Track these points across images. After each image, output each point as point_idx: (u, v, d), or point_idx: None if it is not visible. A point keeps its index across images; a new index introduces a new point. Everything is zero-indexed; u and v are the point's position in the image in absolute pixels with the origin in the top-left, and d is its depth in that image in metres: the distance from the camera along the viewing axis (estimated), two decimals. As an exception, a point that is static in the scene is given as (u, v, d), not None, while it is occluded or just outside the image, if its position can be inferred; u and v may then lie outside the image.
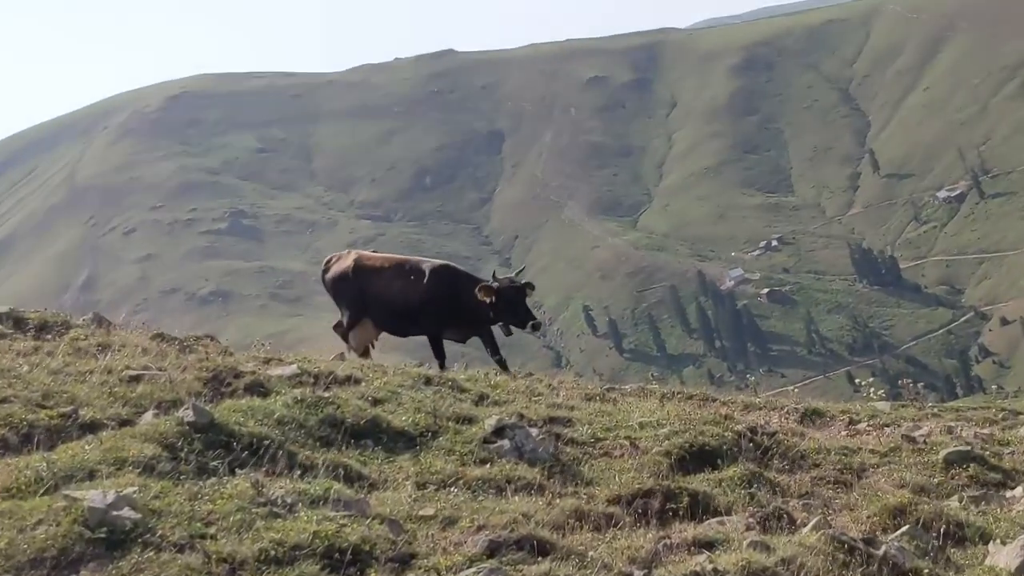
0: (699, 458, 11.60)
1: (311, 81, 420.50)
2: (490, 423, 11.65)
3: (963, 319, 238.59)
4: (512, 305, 17.84)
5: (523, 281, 18.27)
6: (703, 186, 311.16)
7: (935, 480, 11.82)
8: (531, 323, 17.87)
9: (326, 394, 11.91)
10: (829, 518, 9.75)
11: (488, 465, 10.86)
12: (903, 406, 19.46)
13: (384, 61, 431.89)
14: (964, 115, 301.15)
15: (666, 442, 11.73)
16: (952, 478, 11.94)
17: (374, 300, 18.42)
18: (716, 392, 18.02)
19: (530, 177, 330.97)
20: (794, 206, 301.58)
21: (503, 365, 18.14)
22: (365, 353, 18.60)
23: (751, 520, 9.57)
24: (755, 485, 10.90)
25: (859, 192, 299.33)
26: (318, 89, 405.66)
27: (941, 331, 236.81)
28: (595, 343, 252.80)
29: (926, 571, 8.38)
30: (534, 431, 11.77)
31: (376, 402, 12.36)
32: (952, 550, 9.28)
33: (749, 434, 12.32)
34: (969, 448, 12.58)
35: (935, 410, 19.64)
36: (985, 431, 15.38)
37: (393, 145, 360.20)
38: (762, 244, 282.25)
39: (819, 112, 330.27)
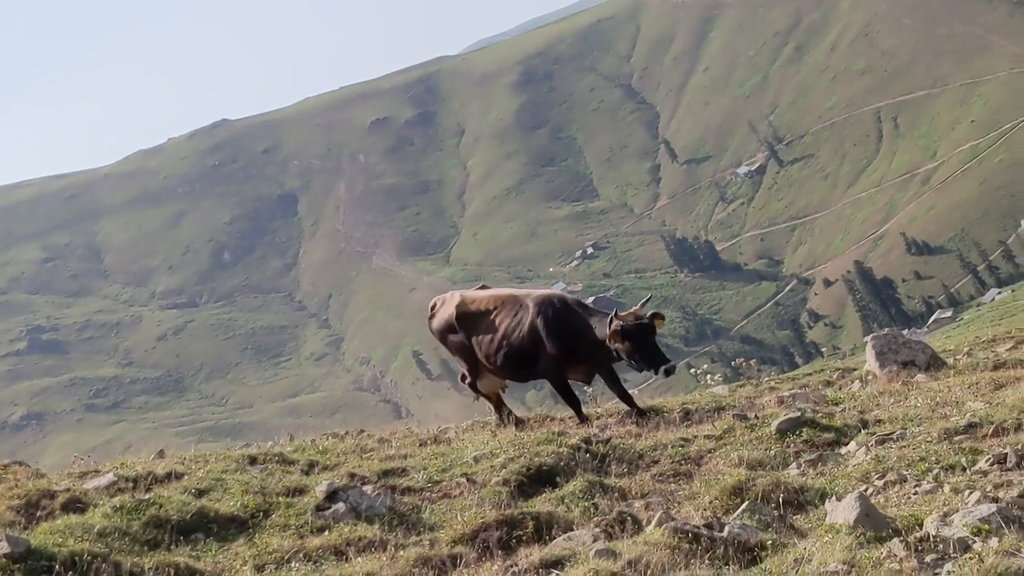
0: (538, 480, 11.77)
1: (85, 178, 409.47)
2: (321, 489, 11.72)
3: (787, 289, 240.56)
4: (640, 346, 15.54)
5: (649, 313, 16.02)
6: (508, 208, 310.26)
7: (771, 452, 11.69)
8: (664, 368, 15.31)
9: (147, 496, 11.83)
10: (672, 511, 9.97)
11: (326, 532, 10.90)
12: (740, 386, 20.65)
13: (157, 144, 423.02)
14: (747, 89, 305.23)
15: (503, 471, 11.95)
16: (787, 447, 11.89)
17: (483, 347, 16.60)
18: (556, 410, 17.56)
19: (332, 232, 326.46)
20: (602, 210, 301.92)
21: (629, 401, 16.45)
22: (499, 402, 17.25)
23: (596, 530, 9.82)
24: (597, 494, 11.06)
25: (662, 184, 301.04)
26: (94, 185, 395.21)
27: (769, 304, 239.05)
28: (432, 387, 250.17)
29: (770, 542, 8.55)
30: (368, 488, 11.98)
31: (201, 493, 12.22)
32: (794, 517, 9.42)
33: (584, 446, 12.69)
34: (800, 414, 12.61)
35: (772, 383, 20.59)
36: (816, 394, 15.60)
37: (184, 227, 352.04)
38: (578, 254, 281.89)
39: (607, 112, 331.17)
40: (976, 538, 7.47)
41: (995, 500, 8.10)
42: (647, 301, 17.22)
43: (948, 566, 7.26)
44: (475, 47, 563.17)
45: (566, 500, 11.10)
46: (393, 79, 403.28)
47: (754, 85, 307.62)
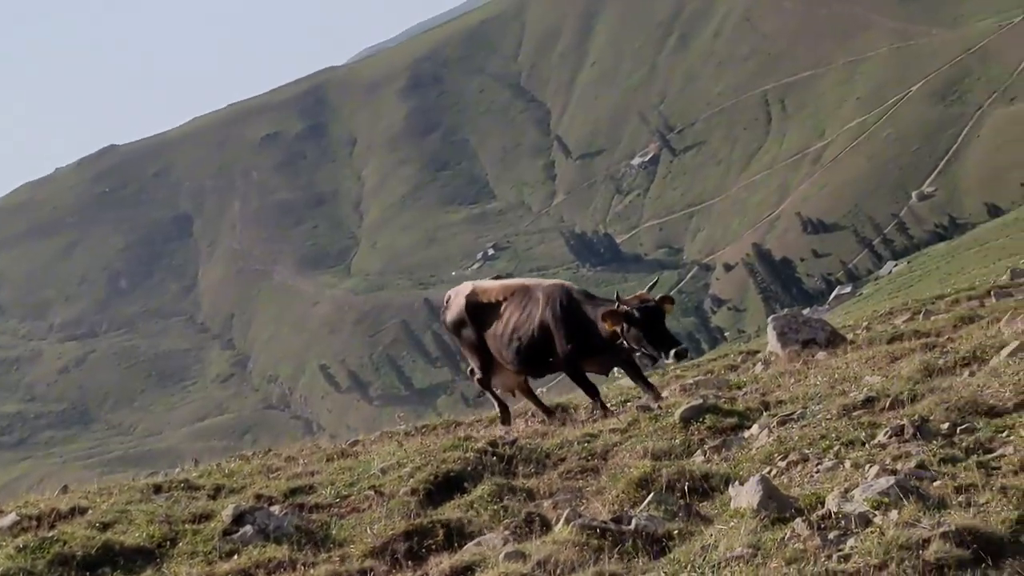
0: (446, 487, 11.74)
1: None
2: (227, 513, 11.55)
3: (689, 276, 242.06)
4: (648, 331, 14.90)
5: (656, 297, 15.35)
6: (405, 215, 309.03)
7: (676, 441, 11.74)
8: (675, 351, 14.78)
9: (50, 533, 11.63)
10: (580, 508, 9.97)
11: (235, 556, 10.76)
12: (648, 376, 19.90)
13: (45, 175, 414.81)
14: (636, 80, 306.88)
15: (410, 480, 11.91)
16: (692, 435, 11.88)
17: (496, 340, 16.03)
18: (467, 414, 17.87)
19: (229, 252, 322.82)
20: (500, 211, 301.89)
21: (654, 390, 15.61)
22: (528, 393, 16.69)
23: (506, 533, 9.81)
24: (505, 497, 11.04)
25: (558, 180, 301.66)
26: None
27: (672, 292, 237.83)
28: (342, 400, 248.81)
29: (676, 532, 8.62)
30: (276, 508, 11.81)
31: (106, 526, 12.00)
32: (700, 504, 9.40)
33: (491, 449, 12.61)
34: (702, 401, 12.60)
35: (677, 371, 20.39)
36: (720, 380, 15.66)
37: (77, 257, 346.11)
38: (479, 256, 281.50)
39: (498, 113, 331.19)
40: (876, 512, 7.53)
41: (893, 473, 8.17)
42: (654, 285, 16.83)
43: (851, 541, 7.32)
44: (362, 56, 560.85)
45: (475, 505, 11.05)
46: (281, 93, 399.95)
47: (642, 76, 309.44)
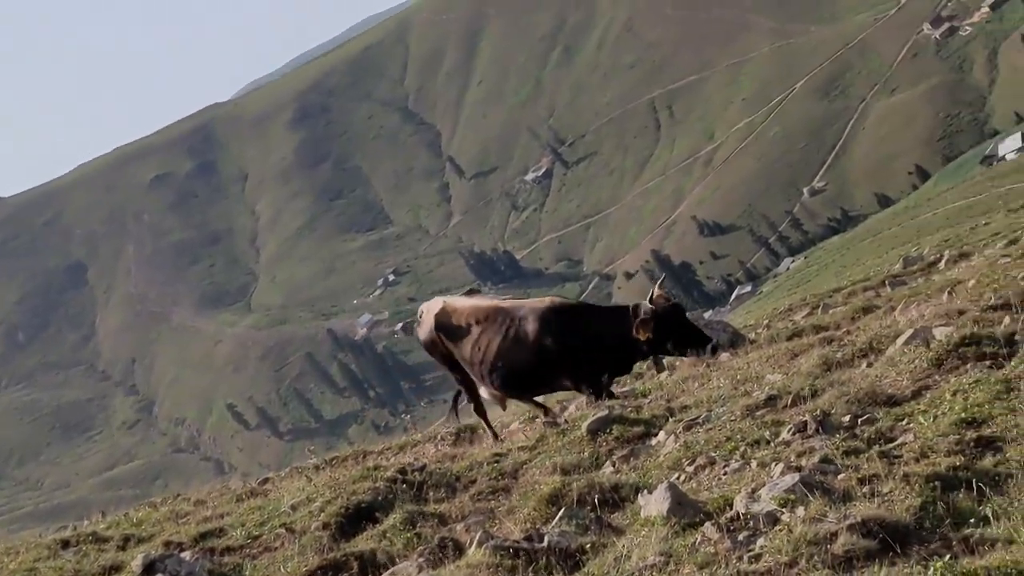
0: (358, 518, 11.55)
1: None
2: (137, 563, 11.23)
3: (591, 287, 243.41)
4: (682, 329, 14.48)
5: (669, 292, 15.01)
6: (302, 247, 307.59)
7: (584, 454, 11.64)
8: (711, 345, 14.48)
9: None
10: (492, 529, 9.95)
11: None
12: None
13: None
14: (523, 95, 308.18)
15: (321, 515, 11.65)
16: (600, 447, 11.79)
17: (475, 365, 15.13)
18: (378, 442, 17.50)
19: (126, 297, 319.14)
20: (397, 235, 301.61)
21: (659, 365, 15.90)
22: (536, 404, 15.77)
23: (420, 560, 9.71)
24: (418, 524, 10.95)
25: (453, 201, 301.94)
26: None
27: None
28: (252, 437, 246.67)
29: (589, 545, 8.60)
30: (186, 554, 11.56)
31: None
32: (611, 515, 9.41)
33: (400, 477, 12.46)
34: (608, 412, 12.52)
35: None
36: (626, 389, 15.54)
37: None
38: (379, 282, 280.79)
39: (388, 138, 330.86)
40: (784, 509, 7.55)
41: (798, 469, 8.21)
42: (663, 280, 16.27)
43: (760, 541, 7.33)
44: (247, 90, 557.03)
45: (388, 534, 10.92)
46: (168, 133, 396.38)
47: (529, 91, 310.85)
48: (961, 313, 12.31)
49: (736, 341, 18.34)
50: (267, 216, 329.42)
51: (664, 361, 16.88)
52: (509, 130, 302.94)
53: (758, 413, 10.75)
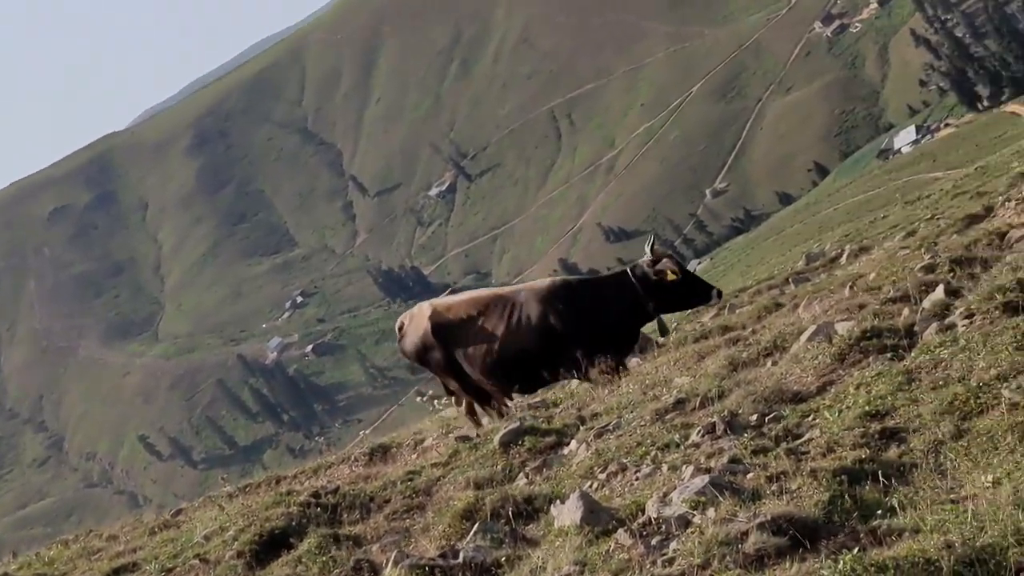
0: (272, 545, 11.33)
1: None
2: None
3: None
4: (692, 277, 14.80)
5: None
6: (208, 272, 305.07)
7: (498, 467, 11.55)
8: (715, 291, 14.76)
9: None
10: (407, 548, 9.96)
11: None
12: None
13: None
14: (423, 111, 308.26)
15: (235, 544, 11.46)
16: (513, 459, 11.78)
17: (477, 361, 14.75)
18: (292, 466, 17.08)
19: (31, 332, 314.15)
20: (303, 257, 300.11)
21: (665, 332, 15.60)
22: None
23: None
24: (332, 548, 10.73)
25: (358, 220, 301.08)
26: None
27: None
28: (165, 468, 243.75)
29: (504, 559, 8.62)
30: None
31: None
32: (526, 527, 9.43)
33: (314, 500, 12.25)
34: (520, 424, 12.42)
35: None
36: (538, 399, 15.45)
37: None
38: (288, 305, 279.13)
39: (289, 160, 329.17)
40: (695, 512, 7.58)
41: (708, 471, 8.27)
42: (653, 241, 15.72)
43: (673, 544, 7.34)
44: (143, 118, 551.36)
45: (303, 560, 10.76)
46: (65, 165, 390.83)
47: (429, 106, 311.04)
48: (862, 307, 12.43)
49: (644, 346, 18.27)
50: (170, 244, 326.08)
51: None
52: (410, 146, 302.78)
53: (667, 417, 10.75)
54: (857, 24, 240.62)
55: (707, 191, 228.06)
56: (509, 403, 15.37)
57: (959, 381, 8.81)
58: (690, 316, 31.69)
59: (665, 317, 15.42)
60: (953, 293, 11.42)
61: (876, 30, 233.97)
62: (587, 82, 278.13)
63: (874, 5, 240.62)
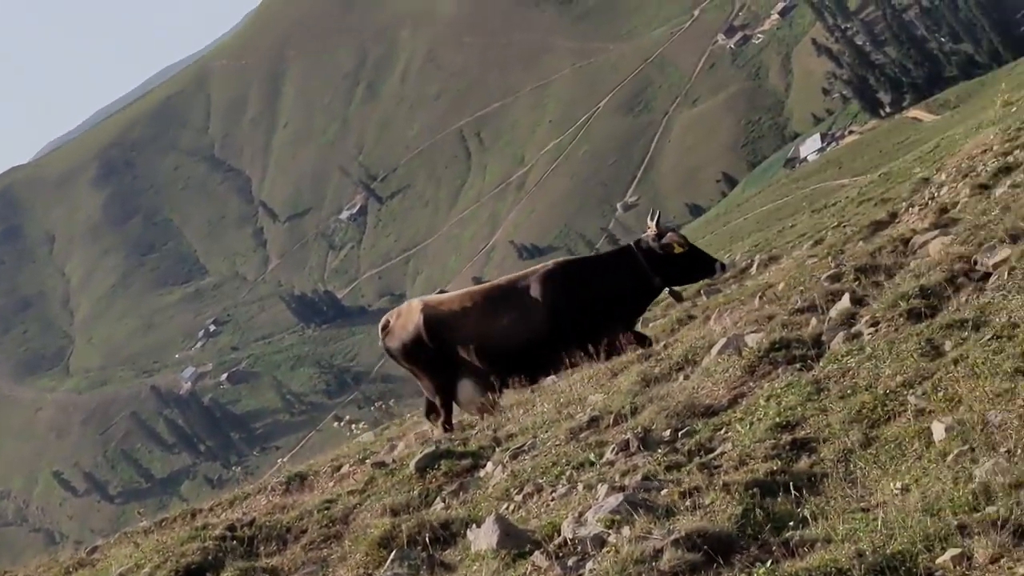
0: None
1: None
2: None
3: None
4: (697, 250, 14.64)
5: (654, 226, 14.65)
6: (118, 304, 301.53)
7: (414, 493, 11.46)
8: (718, 264, 14.75)
9: None
10: None
11: None
12: (387, 428, 20.99)
13: None
14: (331, 134, 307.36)
15: None
16: (429, 483, 11.71)
17: (480, 352, 14.34)
18: (209, 498, 16.79)
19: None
20: (215, 285, 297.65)
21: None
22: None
23: None
24: None
25: (269, 246, 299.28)
26: None
27: None
28: (82, 504, 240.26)
29: None
30: None
31: None
32: (444, 553, 9.33)
33: (230, 533, 11.95)
34: (435, 448, 12.38)
35: (416, 418, 20.63)
36: (454, 420, 15.19)
37: None
38: (200, 334, 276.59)
39: (197, 188, 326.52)
40: (610, 531, 7.56)
41: (622, 489, 8.27)
42: (659, 216, 15.30)
43: (589, 564, 7.34)
44: (47, 150, 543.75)
45: (219, 596, 10.35)
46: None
47: (336, 130, 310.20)
48: (771, 318, 12.42)
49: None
50: (78, 276, 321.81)
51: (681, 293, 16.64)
52: (320, 170, 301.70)
53: (582, 435, 10.71)
54: (759, 35, 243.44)
55: (618, 205, 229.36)
56: (497, 401, 14.93)
57: (866, 389, 8.88)
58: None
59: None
60: (859, 302, 11.46)
61: (778, 40, 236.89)
62: (495, 100, 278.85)
63: (775, 16, 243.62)
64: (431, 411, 15.27)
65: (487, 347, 14.44)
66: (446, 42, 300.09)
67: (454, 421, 14.99)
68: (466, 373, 14.75)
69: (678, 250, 14.42)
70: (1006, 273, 10.34)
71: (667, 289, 15.13)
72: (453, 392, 14.87)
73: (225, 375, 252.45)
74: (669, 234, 14.59)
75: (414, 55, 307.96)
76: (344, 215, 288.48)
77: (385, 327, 15.26)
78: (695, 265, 14.69)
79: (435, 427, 15.14)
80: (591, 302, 14.38)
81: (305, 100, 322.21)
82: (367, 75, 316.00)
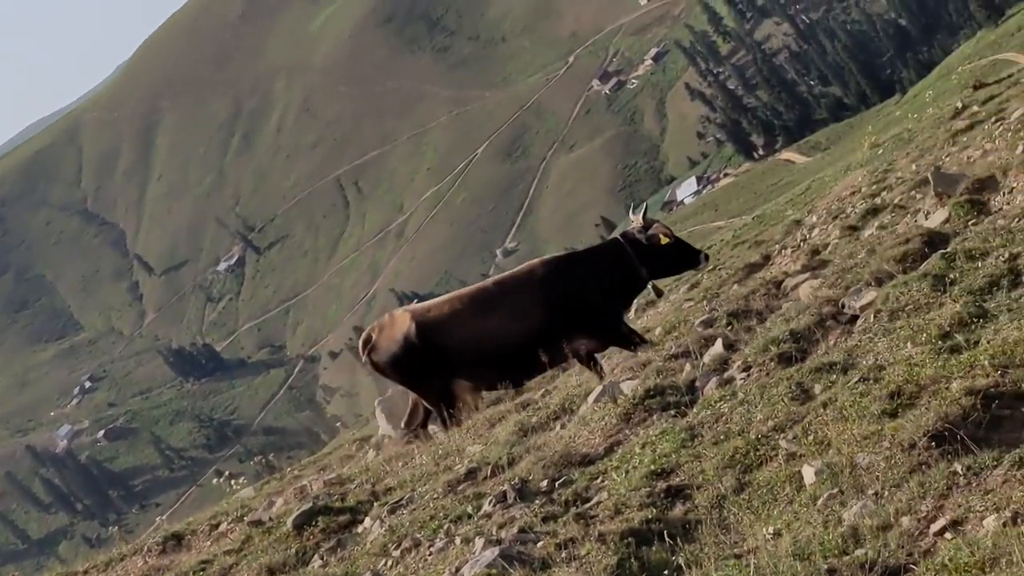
0: None
1: None
2: None
3: (297, 370, 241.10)
4: (682, 243, 14.71)
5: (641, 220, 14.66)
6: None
7: (292, 551, 11.07)
8: (703, 254, 14.74)
9: None
10: None
11: None
12: (267, 483, 20.29)
13: None
14: (206, 186, 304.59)
15: None
16: (307, 540, 11.34)
17: (475, 353, 13.98)
18: (85, 559, 15.69)
19: None
20: (90, 340, 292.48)
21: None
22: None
23: None
24: None
25: (145, 299, 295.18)
26: None
27: (283, 391, 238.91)
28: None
29: None
30: None
31: None
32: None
33: None
34: (312, 504, 12.00)
35: (296, 471, 20.91)
36: (332, 475, 14.84)
37: None
38: (76, 391, 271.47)
39: (69, 242, 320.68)
40: (486, 586, 7.56)
41: (498, 542, 8.19)
42: (645, 208, 15.15)
43: (466, 620, 7.31)
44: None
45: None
46: None
47: (212, 181, 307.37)
48: (646, 364, 12.40)
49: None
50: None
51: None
52: (196, 222, 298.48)
53: (460, 488, 10.64)
54: (634, 80, 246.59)
55: (498, 251, 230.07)
56: (479, 404, 14.72)
57: (739, 435, 8.91)
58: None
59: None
60: (731, 347, 11.52)
61: (652, 85, 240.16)
62: (372, 149, 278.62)
63: (649, 61, 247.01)
64: (412, 422, 14.95)
65: (484, 347, 14.18)
66: (321, 91, 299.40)
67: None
68: (457, 381, 14.45)
69: (664, 241, 14.40)
70: (872, 316, 10.50)
71: (650, 284, 15.18)
72: (451, 395, 14.49)
73: (102, 432, 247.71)
74: (655, 225, 14.59)
75: (289, 105, 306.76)
76: (221, 267, 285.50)
77: (368, 342, 14.72)
78: (680, 257, 14.68)
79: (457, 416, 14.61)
80: (583, 294, 14.23)
81: (179, 152, 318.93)
82: (242, 125, 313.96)
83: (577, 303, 14.16)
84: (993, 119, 25.22)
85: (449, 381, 14.33)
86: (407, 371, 14.49)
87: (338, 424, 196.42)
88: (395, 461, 13.98)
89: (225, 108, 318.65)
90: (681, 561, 7.24)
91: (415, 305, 14.98)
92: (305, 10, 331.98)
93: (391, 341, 14.38)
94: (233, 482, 24.24)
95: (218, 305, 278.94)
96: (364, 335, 14.86)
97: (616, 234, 15.32)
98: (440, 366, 14.21)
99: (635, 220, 14.71)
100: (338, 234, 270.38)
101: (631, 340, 14.27)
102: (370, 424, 63.53)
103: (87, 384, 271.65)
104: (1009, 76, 41.86)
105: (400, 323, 14.39)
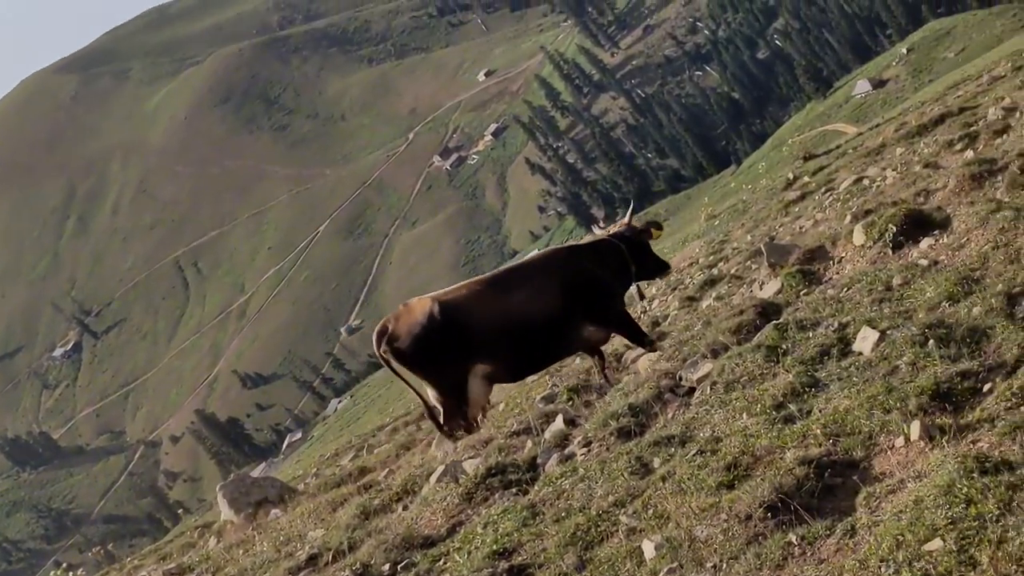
0: None
1: None
2: None
3: (137, 456, 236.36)
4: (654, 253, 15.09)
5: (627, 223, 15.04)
6: None
7: None
8: (668, 266, 15.18)
9: None
10: None
11: None
12: (106, 574, 20.71)
13: None
14: (41, 270, 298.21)
15: None
16: None
17: (499, 333, 13.47)
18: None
19: None
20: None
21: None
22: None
23: None
24: None
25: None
26: None
27: (123, 477, 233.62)
28: None
29: None
30: None
31: None
32: None
33: None
34: None
35: (136, 561, 20.20)
36: (174, 566, 14.54)
37: None
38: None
39: None
40: None
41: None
42: (634, 210, 15.55)
43: None
44: None
45: None
46: None
47: (47, 265, 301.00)
48: (488, 442, 12.35)
49: (285, 495, 18.13)
50: None
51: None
52: (30, 307, 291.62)
53: (301, 575, 10.41)
54: (474, 156, 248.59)
55: (342, 329, 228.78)
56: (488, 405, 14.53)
57: (580, 511, 8.88)
58: (329, 460, 31.28)
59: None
60: (571, 422, 11.53)
61: (493, 160, 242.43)
62: (211, 229, 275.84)
63: (489, 137, 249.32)
64: (434, 412, 14.32)
65: (505, 327, 13.84)
66: (157, 172, 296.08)
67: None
68: (476, 367, 13.93)
69: (656, 235, 14.80)
70: (708, 388, 10.60)
71: (634, 285, 15.25)
72: (464, 391, 13.98)
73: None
74: (646, 223, 14.96)
75: (125, 186, 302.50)
76: (58, 352, 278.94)
77: (384, 332, 13.98)
78: (656, 263, 14.99)
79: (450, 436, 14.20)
80: (599, 281, 14.31)
81: (12, 236, 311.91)
82: (77, 208, 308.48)
83: (593, 288, 14.23)
84: (823, 189, 25.98)
85: (467, 371, 13.84)
86: (430, 355, 13.82)
87: (179, 511, 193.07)
88: (236, 548, 13.63)
89: (59, 191, 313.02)
90: (524, 643, 7.18)
91: (429, 295, 14.49)
92: (140, 90, 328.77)
93: (413, 323, 13.84)
94: (71, 574, 23.57)
95: (55, 392, 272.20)
96: (379, 327, 14.20)
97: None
98: (461, 350, 13.75)
99: (624, 221, 15.03)
100: (178, 316, 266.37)
101: (639, 329, 14.51)
102: (212, 509, 62.54)
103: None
104: (837, 147, 43.14)
105: (421, 306, 14.01)
